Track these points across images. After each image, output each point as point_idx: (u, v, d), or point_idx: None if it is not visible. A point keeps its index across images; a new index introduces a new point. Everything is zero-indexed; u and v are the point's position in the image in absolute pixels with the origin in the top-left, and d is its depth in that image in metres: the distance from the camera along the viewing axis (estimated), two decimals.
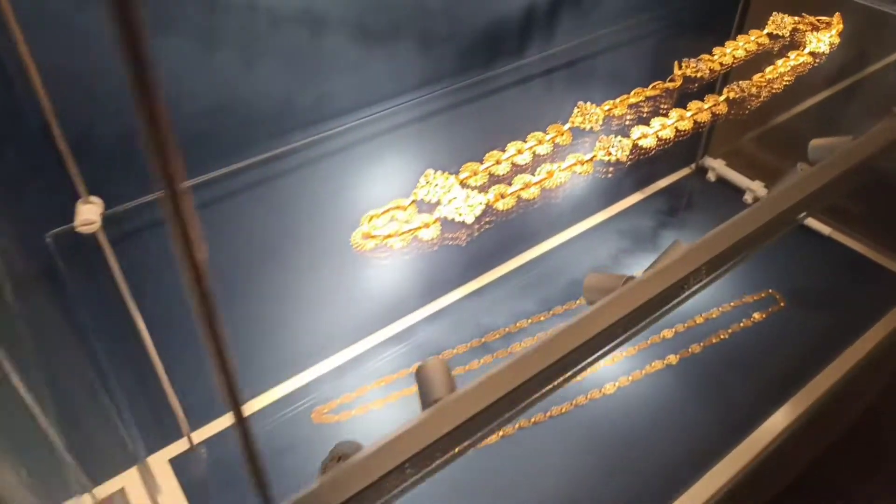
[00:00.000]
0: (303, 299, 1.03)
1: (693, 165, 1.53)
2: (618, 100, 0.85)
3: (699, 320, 1.18)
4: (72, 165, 0.65)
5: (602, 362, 1.13)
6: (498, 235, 1.24)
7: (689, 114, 0.83)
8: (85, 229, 0.66)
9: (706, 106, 0.85)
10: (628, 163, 0.78)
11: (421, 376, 0.60)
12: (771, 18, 1.03)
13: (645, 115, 0.86)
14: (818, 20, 1.04)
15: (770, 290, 1.23)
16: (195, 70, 0.71)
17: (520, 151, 0.77)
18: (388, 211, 0.67)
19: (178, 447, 0.98)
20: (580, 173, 0.75)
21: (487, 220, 0.70)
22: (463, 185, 0.72)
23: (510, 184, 0.71)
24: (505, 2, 0.94)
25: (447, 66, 0.92)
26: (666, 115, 0.83)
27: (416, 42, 0.88)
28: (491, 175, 0.75)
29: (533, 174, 0.73)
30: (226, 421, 1.02)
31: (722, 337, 1.16)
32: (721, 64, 0.95)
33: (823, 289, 1.26)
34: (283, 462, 0.97)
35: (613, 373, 1.11)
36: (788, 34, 1.01)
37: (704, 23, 1.23)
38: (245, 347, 1.01)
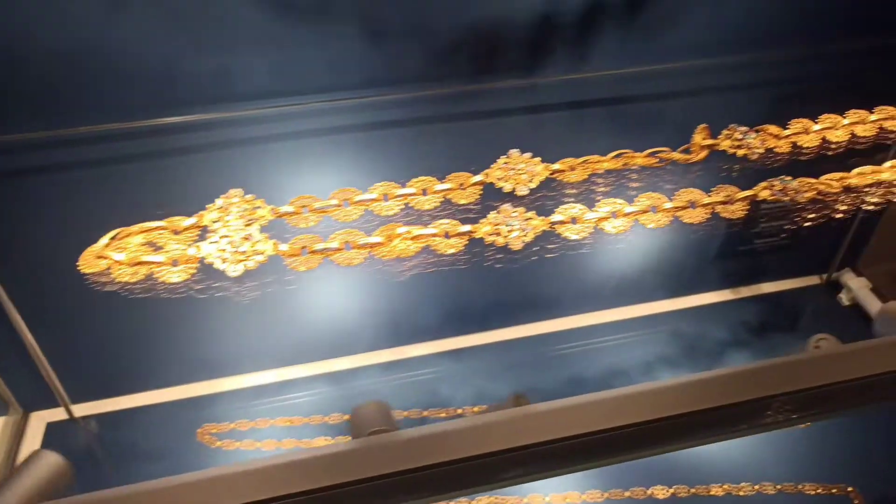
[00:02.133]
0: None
1: (824, 277, 1.12)
2: (580, 160, 0.58)
3: (716, 490, 0.84)
4: None
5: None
6: (504, 293, 1.00)
7: (667, 205, 0.54)
8: None
9: (708, 200, 0.54)
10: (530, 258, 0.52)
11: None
12: None
13: (632, 188, 0.58)
14: None
15: (848, 488, 0.83)
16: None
17: (386, 196, 0.55)
18: (154, 230, 0.50)
19: (55, 415, 0.92)
20: (438, 251, 0.51)
21: (277, 278, 0.50)
22: (281, 219, 0.53)
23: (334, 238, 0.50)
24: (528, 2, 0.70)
25: (415, 67, 0.71)
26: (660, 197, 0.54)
27: (372, 31, 0.68)
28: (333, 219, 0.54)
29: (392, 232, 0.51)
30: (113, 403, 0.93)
31: None
32: (794, 146, 0.62)
33: None
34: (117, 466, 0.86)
35: None
36: None
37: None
38: (167, 332, 0.90)
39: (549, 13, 0.71)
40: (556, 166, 0.57)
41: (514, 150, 0.57)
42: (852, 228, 1.06)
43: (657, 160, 0.59)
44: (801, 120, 0.63)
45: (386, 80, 0.71)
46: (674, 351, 1.02)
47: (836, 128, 0.63)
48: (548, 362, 1.00)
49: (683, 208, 0.54)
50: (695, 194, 0.54)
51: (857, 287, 1.06)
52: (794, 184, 0.55)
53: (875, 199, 0.58)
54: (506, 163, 0.56)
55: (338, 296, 0.96)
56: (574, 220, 0.53)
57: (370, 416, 0.47)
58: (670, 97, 0.77)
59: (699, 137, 0.59)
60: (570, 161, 0.58)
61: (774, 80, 0.79)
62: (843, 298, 1.08)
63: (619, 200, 0.54)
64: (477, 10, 0.69)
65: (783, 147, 0.61)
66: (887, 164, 0.58)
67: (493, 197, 0.57)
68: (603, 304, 1.05)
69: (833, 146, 0.64)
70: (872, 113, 0.64)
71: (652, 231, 0.83)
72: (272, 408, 0.94)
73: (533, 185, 0.56)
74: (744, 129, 0.61)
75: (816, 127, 0.63)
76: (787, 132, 0.62)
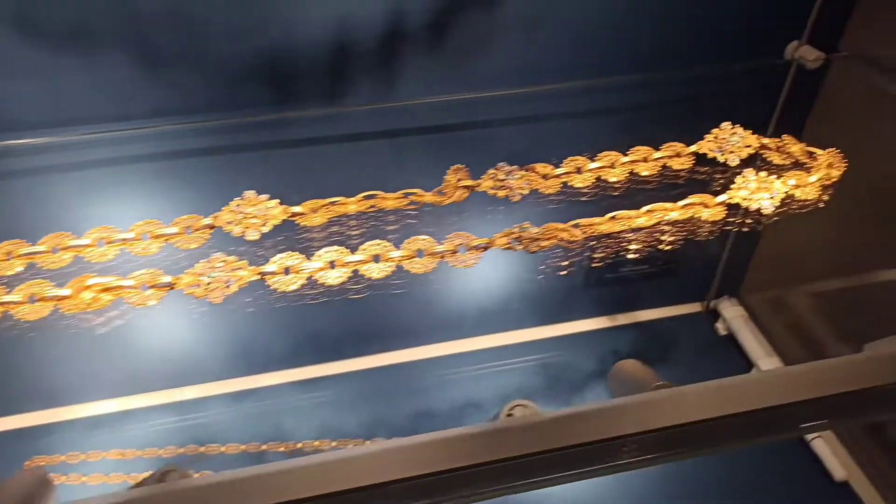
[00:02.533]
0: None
1: (704, 304, 1.09)
2: (326, 201, 0.55)
3: None
4: None
5: None
6: (360, 321, 0.97)
7: (394, 254, 0.50)
8: None
9: (439, 249, 0.51)
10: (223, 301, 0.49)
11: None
12: (716, 130, 0.63)
13: (389, 231, 0.55)
14: (810, 151, 0.61)
15: None
16: None
17: (102, 241, 0.52)
18: None
19: None
20: (134, 304, 0.48)
21: None
22: None
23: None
24: (326, 30, 0.67)
25: (204, 96, 0.68)
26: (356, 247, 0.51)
27: (147, 59, 0.65)
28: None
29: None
30: None
31: None
32: (566, 186, 0.59)
33: None
34: None
35: None
36: (736, 163, 0.61)
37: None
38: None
39: (342, 41, 0.68)
40: (297, 209, 0.54)
41: (250, 192, 0.54)
42: (724, 256, 1.03)
43: (409, 202, 0.56)
44: (576, 158, 0.60)
45: (172, 109, 0.68)
46: (537, 382, 0.99)
47: (614, 166, 0.60)
48: (401, 394, 0.96)
49: (410, 258, 0.50)
50: (424, 243, 0.51)
51: (730, 317, 1.03)
52: (533, 231, 0.52)
53: (636, 247, 0.55)
54: (238, 205, 0.53)
55: (187, 323, 0.93)
56: (288, 271, 0.49)
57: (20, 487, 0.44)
58: (481, 126, 0.74)
59: (453, 178, 0.56)
60: (312, 203, 0.55)
61: (593, 110, 0.76)
62: (721, 329, 1.05)
63: (341, 248, 0.51)
64: (264, 38, 0.66)
65: (551, 188, 0.58)
66: (644, 208, 0.54)
67: (228, 243, 0.54)
68: (465, 333, 1.01)
69: (616, 185, 0.60)
70: (659, 150, 0.61)
71: (514, 257, 0.78)
72: (109, 439, 0.91)
73: (266, 230, 0.53)
74: (509, 168, 0.58)
75: (593, 165, 0.59)
76: (557, 171, 0.59)
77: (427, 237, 0.51)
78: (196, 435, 0.91)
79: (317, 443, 0.90)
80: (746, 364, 0.99)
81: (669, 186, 0.61)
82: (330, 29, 0.67)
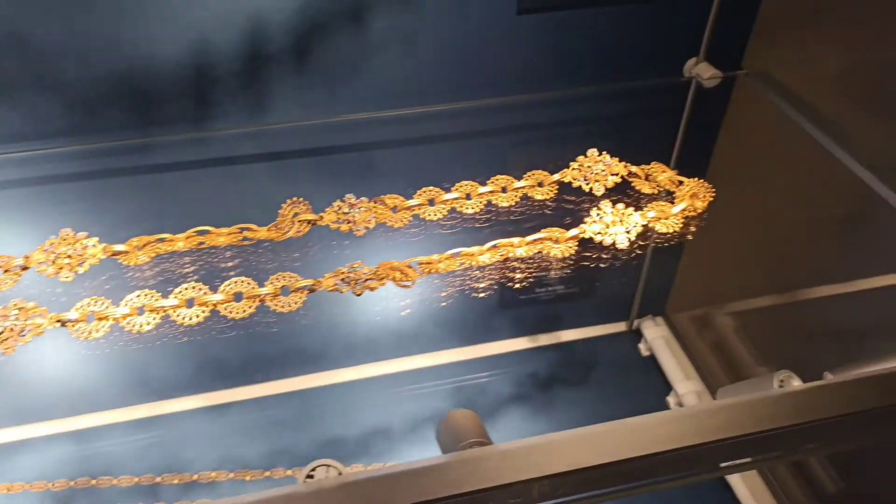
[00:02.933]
0: None
1: (629, 324, 1.06)
2: (153, 238, 0.52)
3: None
4: None
5: None
6: (268, 345, 0.94)
7: (212, 297, 0.47)
8: None
9: (257, 292, 0.48)
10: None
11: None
12: (581, 158, 0.60)
13: (228, 268, 0.52)
14: (679, 180, 0.58)
15: None
16: None
17: None
18: None
19: None
20: None
21: None
22: None
23: None
24: (185, 50, 0.64)
25: (58, 121, 0.65)
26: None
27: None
28: None
29: None
30: None
31: None
32: (412, 221, 0.56)
33: None
34: None
35: None
36: (601, 192, 0.58)
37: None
38: None
39: (202, 61, 0.64)
40: (120, 247, 0.51)
41: (66, 229, 0.51)
42: (643, 275, 1.00)
43: (243, 237, 0.52)
44: (428, 189, 0.57)
45: (19, 135, 0.64)
46: (450, 406, 0.96)
47: (471, 197, 0.57)
48: (308, 421, 0.93)
49: (228, 302, 0.47)
50: (244, 285, 0.48)
51: (651, 337, 1.00)
52: (364, 271, 0.49)
53: (483, 285, 0.52)
54: (51, 244, 0.50)
55: (86, 349, 0.89)
56: (93, 317, 0.46)
57: None
58: (356, 149, 0.71)
59: (289, 212, 0.53)
60: (137, 240, 0.52)
61: (479, 132, 0.72)
62: (643, 350, 1.02)
63: (153, 292, 0.47)
64: (117, 58, 0.63)
65: (399, 221, 0.55)
66: (487, 245, 0.51)
67: (49, 284, 0.51)
68: (377, 356, 0.98)
69: (479, 218, 0.57)
70: (520, 179, 0.58)
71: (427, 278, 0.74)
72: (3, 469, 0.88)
73: (83, 271, 0.50)
74: (355, 199, 0.55)
75: (448, 196, 0.56)
76: (409, 203, 0.56)
77: (247, 279, 0.48)
78: (92, 466, 0.88)
79: (213, 474, 0.87)
80: (665, 387, 0.96)
81: (534, 217, 0.58)
82: (189, 49, 0.64)
